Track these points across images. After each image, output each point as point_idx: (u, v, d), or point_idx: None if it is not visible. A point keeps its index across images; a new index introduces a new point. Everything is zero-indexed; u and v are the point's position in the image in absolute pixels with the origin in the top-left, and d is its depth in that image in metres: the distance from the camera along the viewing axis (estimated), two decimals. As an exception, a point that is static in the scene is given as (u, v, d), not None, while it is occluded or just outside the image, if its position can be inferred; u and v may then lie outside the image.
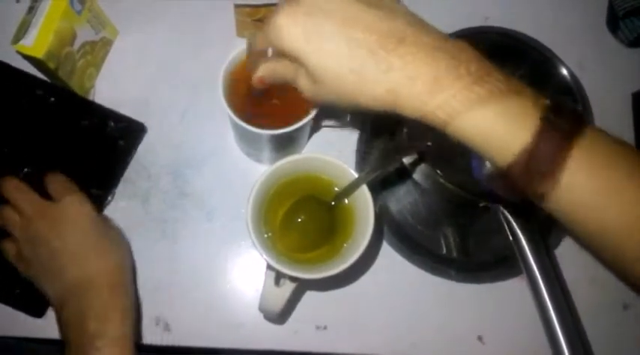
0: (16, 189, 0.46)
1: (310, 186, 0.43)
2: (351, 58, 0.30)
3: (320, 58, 0.31)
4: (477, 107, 0.28)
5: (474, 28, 0.49)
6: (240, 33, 0.58)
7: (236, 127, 0.46)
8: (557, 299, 0.40)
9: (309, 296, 0.53)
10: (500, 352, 0.53)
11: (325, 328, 0.52)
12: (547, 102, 0.29)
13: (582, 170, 0.28)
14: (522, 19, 0.55)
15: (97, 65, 0.57)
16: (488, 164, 0.33)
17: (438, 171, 0.42)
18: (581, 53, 0.60)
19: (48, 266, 0.44)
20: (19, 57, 0.49)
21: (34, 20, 0.47)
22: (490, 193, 0.35)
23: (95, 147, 0.53)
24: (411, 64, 0.29)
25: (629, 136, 0.57)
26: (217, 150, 0.56)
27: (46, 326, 0.49)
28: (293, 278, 0.42)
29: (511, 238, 0.42)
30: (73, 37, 0.51)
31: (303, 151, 0.56)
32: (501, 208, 0.42)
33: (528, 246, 0.41)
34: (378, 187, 0.52)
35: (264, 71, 0.36)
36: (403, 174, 0.45)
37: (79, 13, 0.50)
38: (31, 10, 0.48)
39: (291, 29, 0.31)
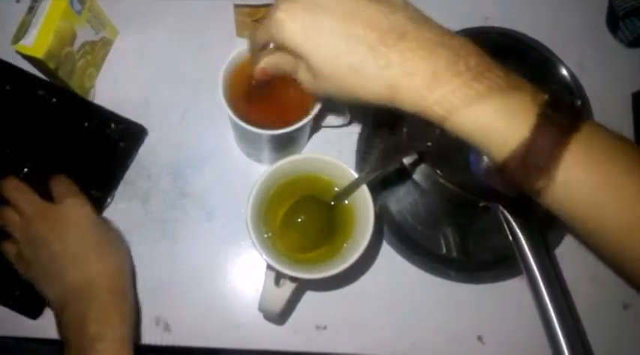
0: (17, 190, 0.46)
1: (310, 186, 0.43)
2: (350, 54, 0.30)
3: (319, 53, 0.31)
4: (475, 103, 0.28)
5: (474, 28, 0.50)
6: (240, 33, 0.58)
7: (236, 127, 0.46)
8: (557, 299, 0.40)
9: (309, 297, 0.53)
10: (500, 352, 0.53)
11: (325, 328, 0.52)
12: (546, 97, 0.29)
13: (580, 165, 0.28)
14: (522, 19, 0.55)
15: (97, 65, 0.57)
16: (486, 158, 0.33)
17: (438, 171, 0.42)
18: (581, 53, 0.60)
19: (48, 268, 0.44)
20: (19, 57, 0.49)
21: (34, 20, 0.47)
22: (488, 191, 0.35)
23: (95, 149, 0.53)
24: (410, 60, 0.29)
25: (629, 136, 0.57)
26: (217, 150, 0.56)
27: (46, 327, 0.49)
28: (293, 279, 0.42)
29: (511, 238, 0.42)
30: (73, 37, 0.51)
31: (303, 151, 0.56)
32: (501, 208, 0.42)
33: (528, 245, 0.41)
34: (378, 187, 0.52)
35: (267, 62, 0.36)
36: (403, 175, 0.46)
37: (79, 13, 0.50)
38: (31, 10, 0.48)
39: (290, 24, 0.31)
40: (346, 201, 0.43)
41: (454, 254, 0.51)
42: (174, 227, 0.54)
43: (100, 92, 0.56)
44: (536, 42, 0.49)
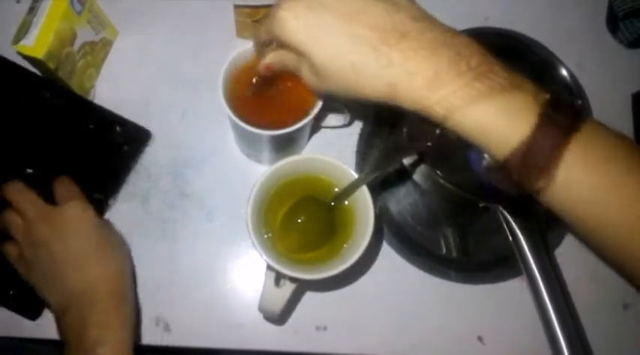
0: (20, 193, 0.46)
1: (310, 186, 0.43)
2: (352, 53, 0.31)
3: (321, 51, 0.31)
4: (476, 102, 0.29)
5: (474, 28, 0.50)
6: (240, 34, 0.58)
7: (236, 128, 0.46)
8: (556, 300, 0.40)
9: (309, 297, 0.53)
10: (500, 352, 0.53)
11: (325, 329, 0.52)
12: (547, 97, 0.29)
13: (580, 164, 0.28)
14: (522, 20, 0.55)
15: (97, 65, 0.57)
16: (487, 157, 0.34)
17: (438, 172, 0.42)
18: (581, 54, 0.60)
19: (48, 271, 0.44)
20: (19, 57, 0.49)
21: (34, 20, 0.47)
22: (489, 190, 0.35)
23: (99, 151, 0.53)
24: (411, 60, 0.29)
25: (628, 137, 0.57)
26: (217, 151, 0.56)
27: (45, 327, 0.49)
28: (293, 279, 0.42)
29: (510, 238, 0.42)
30: (73, 37, 0.51)
31: (303, 152, 0.56)
32: (501, 208, 0.42)
33: (528, 246, 0.41)
34: (378, 188, 0.52)
35: (272, 59, 0.37)
36: (403, 175, 0.46)
37: (79, 13, 0.50)
38: (32, 10, 0.48)
39: (292, 22, 0.31)
40: (346, 202, 0.43)
41: (454, 254, 0.51)
42: (174, 227, 0.54)
43: (100, 92, 0.57)
44: (536, 42, 0.49)
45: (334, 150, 0.56)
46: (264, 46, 0.37)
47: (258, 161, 0.55)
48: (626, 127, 0.59)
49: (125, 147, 0.53)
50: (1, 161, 0.52)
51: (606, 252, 0.31)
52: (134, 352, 0.42)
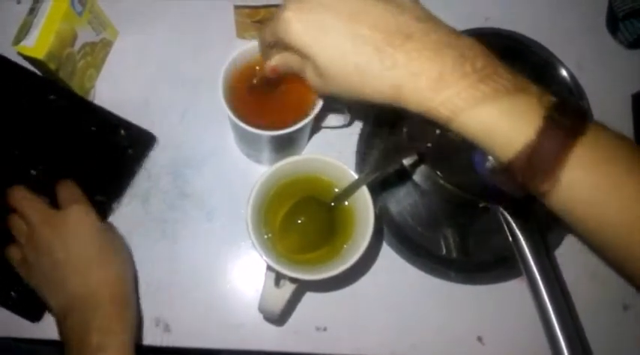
0: (24, 198, 0.46)
1: (310, 187, 0.43)
2: (356, 54, 0.31)
3: (325, 53, 0.31)
4: (481, 105, 0.29)
5: (474, 28, 0.50)
6: (240, 34, 0.58)
7: (236, 128, 0.46)
8: (556, 300, 0.40)
9: (309, 297, 0.53)
10: (500, 353, 0.53)
11: (325, 329, 0.52)
12: (552, 99, 0.29)
13: (582, 166, 0.28)
14: (522, 20, 0.55)
15: (98, 66, 0.57)
16: (491, 158, 0.34)
17: (438, 172, 0.42)
18: (581, 54, 0.60)
19: (50, 275, 0.44)
20: (20, 58, 0.49)
21: (35, 21, 0.47)
22: (493, 191, 0.35)
23: (103, 154, 0.53)
24: (416, 61, 0.29)
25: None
26: (217, 151, 0.56)
27: (46, 328, 0.50)
28: (293, 280, 0.42)
29: (510, 239, 0.42)
30: (74, 38, 0.51)
31: (303, 152, 0.56)
32: (501, 209, 0.42)
33: (528, 246, 0.41)
34: (378, 188, 0.52)
35: (277, 61, 0.37)
36: (403, 176, 0.45)
37: (79, 14, 0.50)
38: (32, 11, 0.48)
39: (296, 24, 0.31)
40: (346, 202, 0.43)
41: (454, 255, 0.51)
42: (174, 227, 0.54)
43: (100, 93, 0.57)
44: (536, 43, 0.49)
45: (334, 151, 0.56)
46: (269, 47, 0.37)
47: (258, 161, 0.55)
48: (626, 128, 0.59)
49: (129, 151, 0.53)
50: (6, 163, 0.52)
51: (607, 253, 0.31)
52: (135, 353, 0.42)
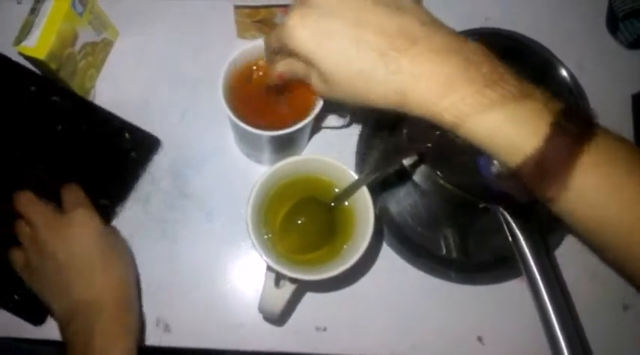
0: (30, 203, 0.46)
1: (310, 187, 0.43)
2: (360, 59, 0.30)
3: (330, 59, 0.31)
4: (488, 111, 0.28)
5: (473, 29, 0.50)
6: (240, 34, 0.58)
7: (236, 128, 0.46)
8: (556, 300, 0.40)
9: (309, 298, 0.53)
10: (500, 353, 0.53)
11: (325, 329, 0.52)
12: (558, 105, 0.29)
13: (587, 171, 0.28)
14: (522, 20, 0.55)
15: (98, 66, 0.57)
16: (496, 163, 0.34)
17: (438, 173, 0.42)
18: (581, 54, 0.60)
19: (54, 279, 0.44)
20: (21, 58, 0.49)
21: (36, 21, 0.47)
22: (491, 191, 0.35)
23: (107, 157, 0.53)
24: (421, 66, 0.29)
25: (628, 138, 0.57)
26: (217, 151, 0.56)
27: (46, 328, 0.50)
28: (293, 280, 0.42)
29: (510, 239, 0.42)
30: (75, 38, 0.51)
31: (303, 152, 0.56)
32: (501, 209, 0.42)
33: (528, 246, 0.41)
34: (378, 189, 0.52)
35: (283, 67, 0.37)
36: (403, 176, 0.46)
37: (80, 14, 0.50)
38: (34, 11, 0.48)
39: (301, 31, 0.31)
40: (346, 203, 0.43)
41: (454, 255, 0.51)
42: (174, 227, 0.54)
43: (101, 93, 0.57)
44: (536, 43, 0.49)
45: (334, 151, 0.56)
46: (274, 54, 0.37)
47: (258, 161, 0.55)
48: (626, 128, 0.59)
49: (133, 154, 0.53)
50: (11, 165, 0.52)
51: (607, 253, 0.31)
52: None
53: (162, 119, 0.56)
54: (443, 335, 0.53)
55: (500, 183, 0.34)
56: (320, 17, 0.31)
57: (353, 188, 0.40)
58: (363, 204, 0.40)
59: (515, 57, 0.47)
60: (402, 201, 0.53)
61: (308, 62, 0.33)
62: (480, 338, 0.53)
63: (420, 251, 0.53)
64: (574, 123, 0.28)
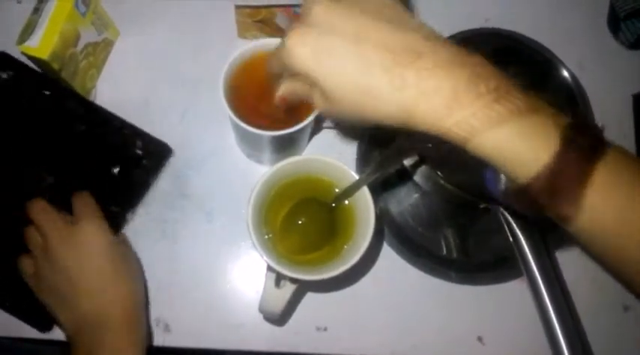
0: (43, 212, 0.46)
1: (311, 187, 0.43)
2: (363, 75, 0.30)
3: (332, 77, 0.31)
4: (497, 125, 0.28)
5: (474, 29, 0.49)
6: (241, 34, 0.58)
7: (237, 128, 0.46)
8: (557, 300, 0.40)
9: (310, 298, 0.53)
10: (500, 353, 0.53)
11: (325, 329, 0.52)
12: (566, 120, 0.29)
13: (602, 188, 0.28)
14: (523, 20, 0.55)
15: (99, 66, 0.57)
16: (503, 178, 0.33)
17: (439, 173, 0.42)
18: (582, 54, 0.60)
19: (63, 292, 0.44)
20: (23, 57, 0.49)
21: (39, 21, 0.47)
22: (495, 198, 0.35)
23: (118, 164, 0.53)
24: (427, 80, 0.29)
25: (629, 138, 0.57)
26: (217, 151, 0.56)
27: (47, 327, 0.50)
28: (293, 280, 0.42)
29: (511, 239, 0.42)
30: (77, 38, 0.51)
31: (304, 153, 0.56)
32: (501, 209, 0.42)
33: (528, 246, 0.41)
34: (379, 189, 0.52)
35: (285, 91, 0.36)
36: (404, 176, 0.45)
37: (83, 14, 0.50)
38: (37, 11, 0.48)
39: (301, 49, 0.31)
40: (347, 203, 0.43)
41: (454, 255, 0.51)
42: (174, 227, 0.54)
43: (101, 93, 0.57)
44: (537, 43, 0.48)
45: (335, 151, 0.56)
46: (276, 77, 0.36)
47: (259, 161, 0.55)
48: (627, 128, 0.58)
49: (144, 161, 0.53)
50: (24, 170, 0.52)
51: (605, 258, 0.31)
52: None
53: (162, 119, 0.56)
54: (443, 335, 0.53)
55: (508, 199, 0.33)
56: (320, 35, 0.30)
57: (353, 188, 0.40)
58: (364, 204, 0.40)
59: (516, 57, 0.47)
60: (402, 201, 0.53)
61: (310, 81, 0.32)
62: (480, 339, 0.53)
63: (420, 251, 0.53)
64: (584, 137, 0.28)
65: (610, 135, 0.29)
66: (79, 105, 0.53)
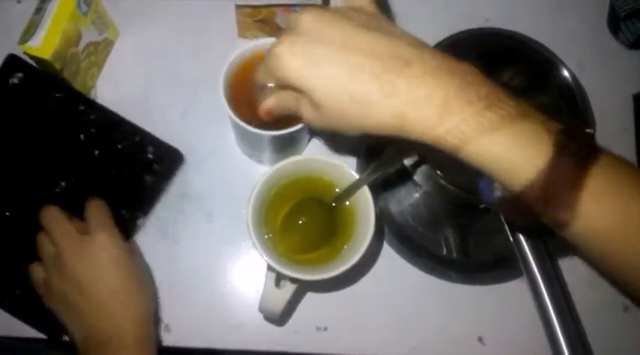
0: (55, 221, 0.45)
1: (311, 187, 0.43)
2: (353, 82, 0.29)
3: (321, 85, 0.30)
4: (489, 132, 0.28)
5: (474, 29, 0.49)
6: (241, 34, 0.58)
7: (237, 128, 0.46)
8: (557, 300, 0.40)
9: (310, 298, 0.53)
10: (500, 353, 0.53)
11: (325, 329, 0.52)
12: (557, 125, 0.29)
13: (592, 194, 0.28)
14: (523, 20, 0.55)
15: (99, 65, 0.57)
16: (497, 186, 0.33)
17: (439, 173, 0.42)
18: (582, 54, 0.60)
19: (73, 304, 0.43)
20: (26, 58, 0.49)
21: (41, 21, 0.47)
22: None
23: (130, 169, 0.52)
24: (417, 87, 0.28)
25: (629, 138, 0.57)
26: (217, 151, 0.56)
27: (46, 327, 0.49)
28: (293, 280, 0.42)
29: (511, 239, 0.42)
30: (79, 37, 0.51)
31: (304, 152, 0.56)
32: (502, 209, 0.42)
33: (528, 246, 0.41)
34: (379, 188, 0.52)
35: (271, 103, 0.35)
36: (404, 176, 0.45)
37: (85, 14, 0.50)
38: (39, 11, 0.48)
39: (289, 58, 0.30)
40: (347, 203, 0.43)
41: (455, 255, 0.51)
42: (174, 227, 0.53)
43: (101, 92, 0.57)
44: (537, 43, 0.48)
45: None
46: (262, 89, 0.35)
47: (259, 161, 0.55)
48: (627, 128, 0.58)
49: (155, 166, 0.52)
50: (35, 175, 0.51)
51: (601, 263, 0.31)
52: None
53: (162, 119, 0.56)
54: (443, 335, 0.53)
55: (503, 207, 0.33)
56: (308, 43, 0.30)
57: (354, 188, 0.40)
58: (364, 203, 0.40)
59: (516, 57, 0.47)
60: (402, 200, 0.53)
61: (298, 91, 0.32)
62: (480, 339, 0.53)
63: (420, 251, 0.53)
64: (576, 143, 0.28)
65: (610, 135, 0.29)
66: (89, 108, 0.52)
